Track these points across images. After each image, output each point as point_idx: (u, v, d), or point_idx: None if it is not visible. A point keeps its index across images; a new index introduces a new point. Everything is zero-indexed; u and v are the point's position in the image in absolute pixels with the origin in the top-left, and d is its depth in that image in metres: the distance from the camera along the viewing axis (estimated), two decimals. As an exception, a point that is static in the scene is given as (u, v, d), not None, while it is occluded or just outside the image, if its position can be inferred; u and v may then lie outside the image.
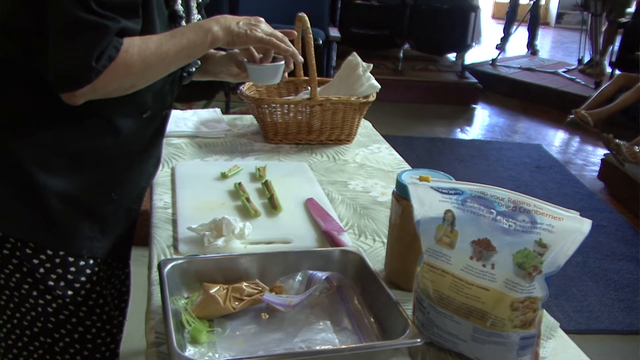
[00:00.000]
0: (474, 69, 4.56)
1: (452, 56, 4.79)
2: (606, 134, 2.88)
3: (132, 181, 0.82)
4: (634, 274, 2.13)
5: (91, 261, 0.79)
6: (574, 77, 4.49)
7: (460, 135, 3.69)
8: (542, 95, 4.29)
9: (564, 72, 4.65)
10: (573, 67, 4.79)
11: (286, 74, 0.94)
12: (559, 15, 7.47)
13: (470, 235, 0.56)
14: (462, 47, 4.31)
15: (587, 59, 4.71)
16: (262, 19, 0.81)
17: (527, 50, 5.48)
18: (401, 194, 0.69)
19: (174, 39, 0.70)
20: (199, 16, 0.84)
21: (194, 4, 0.82)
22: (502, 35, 5.25)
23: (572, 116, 3.61)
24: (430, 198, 0.58)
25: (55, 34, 0.62)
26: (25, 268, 0.74)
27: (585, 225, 0.52)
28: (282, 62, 0.92)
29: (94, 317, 0.81)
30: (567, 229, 0.52)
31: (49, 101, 0.68)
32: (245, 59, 0.91)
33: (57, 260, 0.75)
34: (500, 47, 5.10)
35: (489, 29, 5.41)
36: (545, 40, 6.35)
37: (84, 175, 0.74)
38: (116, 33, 0.64)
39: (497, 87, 4.48)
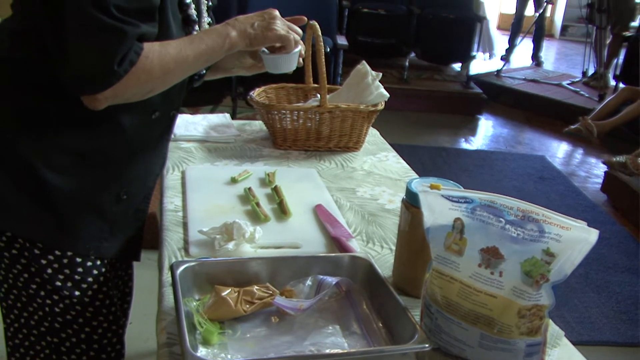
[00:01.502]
0: (478, 79, 4.58)
1: (457, 66, 4.81)
2: (607, 158, 2.89)
3: (140, 181, 0.83)
4: (636, 286, 2.12)
5: (98, 262, 0.79)
6: (578, 90, 4.51)
7: (464, 145, 3.69)
8: (546, 107, 4.30)
9: (568, 84, 4.67)
10: (577, 79, 4.81)
11: (301, 60, 0.94)
12: (564, 28, 7.49)
13: (479, 243, 0.57)
14: (467, 57, 4.33)
15: (591, 71, 4.72)
16: (276, 12, 0.80)
17: (531, 61, 5.50)
18: (411, 201, 0.69)
19: (193, 45, 0.72)
20: (209, 19, 0.85)
21: (204, 7, 0.83)
22: (507, 46, 5.28)
23: (573, 126, 3.62)
24: (441, 206, 0.59)
25: (75, 38, 0.64)
26: (33, 268, 0.75)
27: (592, 236, 0.53)
28: (299, 49, 0.91)
29: (100, 317, 0.81)
30: (574, 238, 0.53)
31: (61, 103, 0.69)
32: (262, 49, 0.90)
33: (65, 261, 0.76)
34: (505, 58, 5.13)
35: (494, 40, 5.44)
36: (549, 52, 6.37)
37: (93, 175, 0.75)
38: (136, 38, 0.66)
39: (501, 98, 4.50)
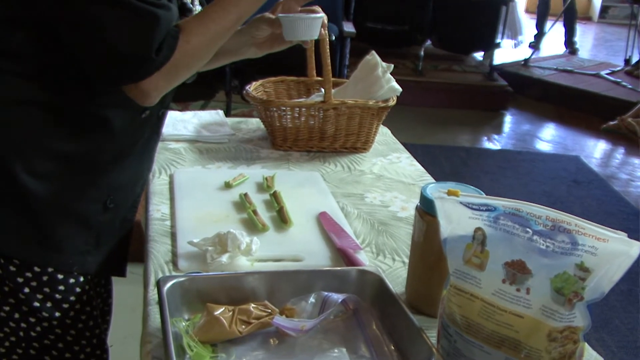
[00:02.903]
0: (503, 70, 4.58)
1: (479, 55, 4.81)
2: None
3: (128, 188, 0.84)
4: (686, 305, 2.11)
5: (82, 278, 0.79)
6: (619, 80, 4.48)
7: (487, 144, 3.69)
8: (581, 101, 4.29)
9: (607, 74, 4.64)
10: (618, 68, 4.78)
11: (323, 31, 0.99)
12: (603, 9, 7.42)
13: (502, 256, 0.57)
14: (490, 45, 4.33)
15: (635, 58, 4.69)
16: None
17: (565, 49, 5.47)
18: (426, 209, 0.70)
19: (225, 10, 0.74)
20: (200, 7, 0.87)
21: None
22: (536, 32, 5.26)
23: (612, 122, 3.60)
24: (459, 214, 0.60)
25: (103, 27, 0.65)
26: (7, 287, 0.75)
27: (634, 248, 0.52)
28: (322, 15, 0.95)
29: (83, 341, 0.82)
30: (612, 251, 0.53)
31: (43, 99, 0.70)
32: (281, 14, 0.94)
33: (45, 278, 0.76)
34: (534, 45, 5.11)
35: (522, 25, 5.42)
36: (586, 37, 6.35)
37: (78, 181, 0.76)
38: (171, 22, 0.69)
39: (529, 91, 4.49)
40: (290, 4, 0.97)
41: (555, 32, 5.29)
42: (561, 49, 5.48)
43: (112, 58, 0.67)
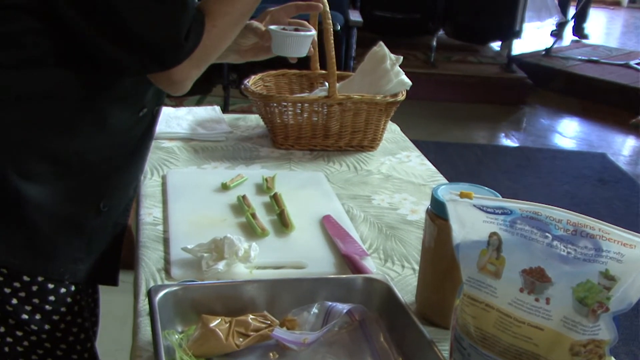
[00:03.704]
0: (522, 60, 4.56)
1: (496, 45, 4.80)
2: None
3: (121, 190, 0.85)
4: None
5: (73, 287, 0.80)
6: (650, 70, 4.44)
7: (505, 141, 3.69)
8: (608, 93, 4.26)
9: (637, 63, 4.60)
10: (650, 57, 4.74)
11: (312, 48, 1.04)
12: (634, -7, 7.36)
13: (520, 263, 0.57)
14: (509, 33, 4.31)
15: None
16: None
17: (573, 35, 5.30)
18: (437, 212, 0.70)
19: None
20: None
21: None
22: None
23: None
24: (473, 218, 0.59)
25: (126, 13, 0.67)
26: None
27: (663, 255, 0.52)
28: (313, 32, 1.00)
29: (74, 355, 0.82)
30: None
31: (37, 95, 0.70)
32: (271, 27, 0.98)
33: (35, 288, 0.76)
34: (557, 33, 5.06)
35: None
36: (614, 24, 6.30)
37: (70, 183, 0.76)
38: (194, 5, 0.71)
39: (551, 83, 4.48)
40: (280, 14, 1.01)
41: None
42: (591, 37, 5.39)
43: (139, 47, 0.69)
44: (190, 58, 0.71)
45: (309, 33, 1.01)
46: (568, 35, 5.40)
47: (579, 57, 4.76)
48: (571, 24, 5.19)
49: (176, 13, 0.68)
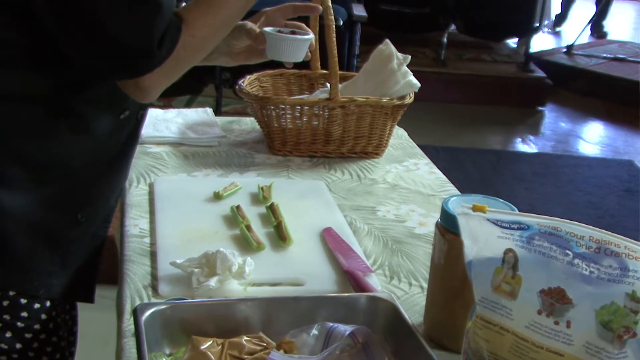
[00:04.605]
0: (541, 59, 4.58)
1: (512, 42, 4.81)
2: None
3: (101, 199, 0.85)
4: None
5: (48, 303, 0.80)
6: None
7: (521, 147, 3.69)
8: (635, 94, 4.25)
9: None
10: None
11: (309, 53, 1.04)
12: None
13: (538, 283, 0.57)
14: (527, 29, 4.32)
15: None
16: None
17: (590, 31, 5.27)
18: (447, 226, 0.70)
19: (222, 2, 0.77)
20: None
21: None
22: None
23: None
24: (487, 233, 0.60)
25: (97, 15, 0.67)
26: None
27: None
28: (311, 35, 1.00)
29: None
30: (670, 278, 0.53)
31: (12, 97, 0.71)
32: (266, 29, 0.98)
33: (6, 303, 0.76)
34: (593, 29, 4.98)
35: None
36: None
37: (47, 190, 0.76)
38: (171, 9, 0.71)
39: (573, 83, 4.48)
40: (276, 16, 1.01)
41: (614, 12, 5.16)
42: (617, 33, 5.35)
43: (109, 51, 0.69)
44: (162, 66, 0.71)
45: (306, 37, 1.01)
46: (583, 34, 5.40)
47: (604, 55, 4.75)
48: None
49: (150, 16, 0.69)
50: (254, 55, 1.02)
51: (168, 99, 3.02)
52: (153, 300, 0.77)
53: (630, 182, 3.24)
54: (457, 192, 1.13)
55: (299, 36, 1.00)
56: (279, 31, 1.00)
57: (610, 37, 5.38)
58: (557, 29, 5.07)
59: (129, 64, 0.71)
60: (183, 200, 1.02)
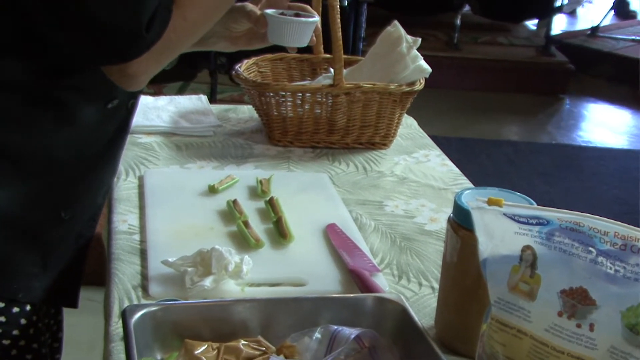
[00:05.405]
0: (563, 42, 4.56)
1: (532, 24, 4.79)
2: None
3: (87, 195, 0.85)
4: None
5: (28, 307, 0.80)
6: None
7: (541, 137, 3.68)
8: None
9: None
10: None
11: (314, 38, 1.03)
12: None
13: (558, 283, 0.57)
14: (547, 9, 4.30)
15: None
16: None
17: (613, 12, 5.20)
18: (460, 221, 0.70)
19: None
20: None
21: None
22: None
23: None
24: (503, 229, 0.60)
25: None
26: None
27: None
28: (316, 18, 0.99)
29: None
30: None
31: None
32: (268, 11, 0.97)
33: None
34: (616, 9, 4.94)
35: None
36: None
37: (28, 186, 0.76)
38: None
39: (597, 69, 4.47)
40: None
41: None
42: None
43: (91, 33, 0.68)
44: (150, 51, 0.70)
45: (311, 19, 1.00)
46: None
47: (632, 37, 4.73)
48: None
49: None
50: (255, 40, 1.01)
51: (159, 85, 3.02)
52: (143, 301, 0.77)
53: (660, 175, 3.23)
54: (470, 185, 1.13)
55: (303, 19, 1.00)
56: (282, 13, 0.99)
57: (638, 17, 5.36)
58: (579, 7, 5.03)
59: (114, 48, 0.70)
60: (175, 194, 1.02)
